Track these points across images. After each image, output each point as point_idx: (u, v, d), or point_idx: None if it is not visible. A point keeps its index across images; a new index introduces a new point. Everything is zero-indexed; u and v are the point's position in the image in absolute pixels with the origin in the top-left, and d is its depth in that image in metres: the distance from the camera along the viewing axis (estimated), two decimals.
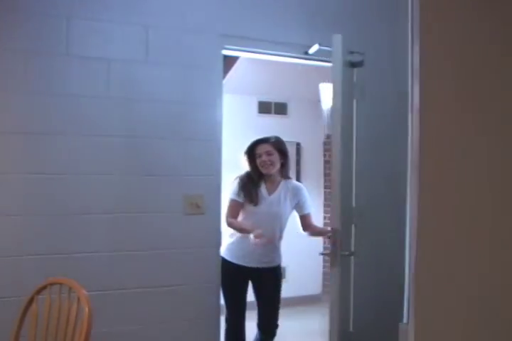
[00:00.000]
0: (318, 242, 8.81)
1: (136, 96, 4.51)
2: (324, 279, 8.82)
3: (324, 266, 8.83)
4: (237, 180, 5.12)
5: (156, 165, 4.57)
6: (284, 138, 8.62)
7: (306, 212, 5.30)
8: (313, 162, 8.82)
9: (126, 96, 4.49)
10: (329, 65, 5.46)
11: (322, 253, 5.45)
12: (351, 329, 4.94)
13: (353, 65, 5.08)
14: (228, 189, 5.10)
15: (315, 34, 5.12)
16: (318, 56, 5.17)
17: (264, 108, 8.61)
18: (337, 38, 4.54)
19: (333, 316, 4.53)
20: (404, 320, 2.48)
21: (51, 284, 3.45)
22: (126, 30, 4.48)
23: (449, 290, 2.20)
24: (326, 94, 4.98)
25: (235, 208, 5.10)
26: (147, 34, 4.53)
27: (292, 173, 8.59)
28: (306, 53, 5.14)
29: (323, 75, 7.16)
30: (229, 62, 6.69)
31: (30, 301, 3.44)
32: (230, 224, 5.09)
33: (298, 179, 8.74)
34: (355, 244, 4.98)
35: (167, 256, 4.60)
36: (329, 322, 4.63)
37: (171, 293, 4.62)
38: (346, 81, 4.92)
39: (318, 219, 8.77)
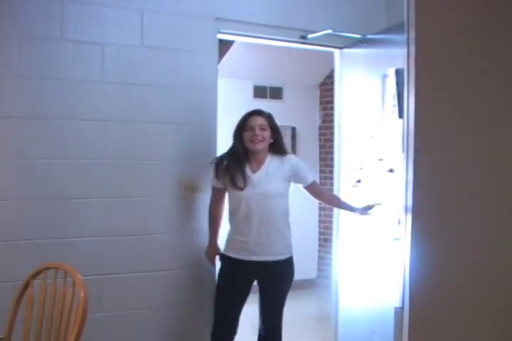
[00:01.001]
0: (314, 226, 8.83)
1: (130, 81, 4.50)
2: (319, 263, 8.84)
3: (319, 251, 8.85)
4: (215, 164, 4.51)
5: (151, 150, 4.56)
6: (280, 123, 8.61)
7: (309, 182, 4.62)
8: (308, 146, 8.80)
9: (121, 80, 4.47)
10: (326, 49, 5.49)
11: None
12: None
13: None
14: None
15: (311, 18, 5.12)
16: (316, 41, 5.18)
17: (260, 92, 8.58)
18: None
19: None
20: (399, 305, 2.49)
21: (46, 269, 3.44)
22: (120, 15, 4.46)
23: (442, 276, 2.21)
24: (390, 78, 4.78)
25: (214, 194, 4.59)
26: (142, 18, 4.51)
27: None
28: (303, 37, 5.13)
29: (318, 60, 7.15)
30: (224, 46, 6.67)
31: (26, 286, 3.43)
32: (209, 212, 4.62)
33: None
34: None
35: (162, 240, 4.61)
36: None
37: (166, 277, 4.62)
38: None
39: (313, 203, 8.81)
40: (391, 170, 4.72)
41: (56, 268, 3.39)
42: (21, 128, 4.20)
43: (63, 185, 4.32)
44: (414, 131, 2.16)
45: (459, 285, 2.24)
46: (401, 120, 4.50)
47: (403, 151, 2.33)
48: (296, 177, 4.56)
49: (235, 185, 4.38)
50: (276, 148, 4.54)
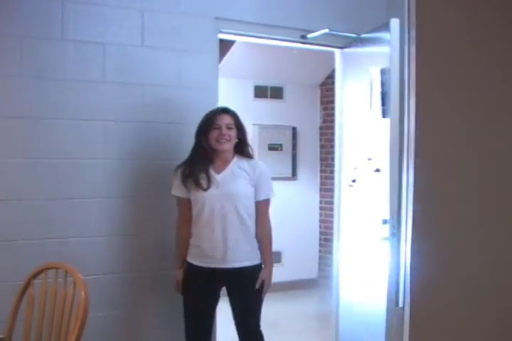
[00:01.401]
0: (315, 226, 8.83)
1: (131, 81, 4.49)
2: (320, 263, 8.84)
3: (320, 251, 8.85)
4: (180, 170, 4.22)
5: (151, 150, 4.56)
6: (280, 123, 8.67)
7: (261, 197, 4.25)
8: (309, 146, 8.81)
9: (122, 80, 4.47)
10: (327, 49, 5.49)
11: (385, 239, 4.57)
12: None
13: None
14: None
15: (312, 18, 5.12)
16: (316, 40, 5.17)
17: (260, 92, 8.58)
18: (395, 23, 4.51)
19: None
20: (400, 304, 2.49)
21: (47, 268, 3.45)
22: (121, 14, 4.46)
23: (444, 275, 2.21)
24: (375, 77, 4.80)
25: (181, 208, 4.28)
26: (142, 18, 4.51)
27: (288, 157, 8.61)
28: (303, 37, 5.13)
29: (319, 59, 7.16)
30: (225, 45, 6.68)
31: (27, 285, 3.44)
32: (177, 232, 4.33)
33: (294, 163, 8.74)
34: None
35: (162, 240, 4.60)
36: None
37: (167, 277, 4.62)
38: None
39: (314, 203, 8.81)
40: (377, 170, 4.74)
41: (57, 268, 3.40)
42: (22, 128, 4.20)
43: (63, 184, 4.32)
44: (415, 132, 2.15)
45: (459, 285, 2.25)
46: (385, 119, 4.58)
47: (402, 153, 2.32)
48: (255, 186, 4.23)
49: (198, 186, 4.11)
50: (242, 149, 4.29)
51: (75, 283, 3.22)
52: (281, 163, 8.63)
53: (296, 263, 8.63)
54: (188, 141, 4.57)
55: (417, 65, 2.17)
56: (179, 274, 4.28)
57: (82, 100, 4.35)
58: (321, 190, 8.82)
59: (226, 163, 4.22)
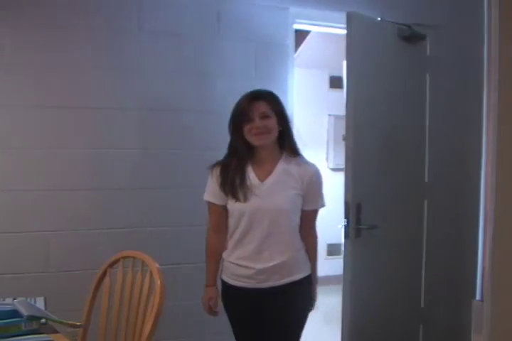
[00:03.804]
0: None
1: (208, 71, 4.52)
2: None
3: None
4: (214, 171, 3.46)
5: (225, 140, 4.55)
6: None
7: (309, 207, 3.44)
8: None
9: (198, 71, 4.50)
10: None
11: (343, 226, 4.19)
12: (422, 305, 4.91)
13: (421, 37, 4.97)
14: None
15: (387, 7, 5.05)
16: None
17: (336, 82, 8.52)
18: (355, 15, 4.43)
19: (346, 294, 4.31)
20: (478, 297, 2.45)
21: (124, 257, 3.48)
22: (197, 5, 4.48)
23: None
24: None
25: (214, 215, 3.49)
26: (218, 9, 4.52)
27: None
28: None
29: None
30: (300, 36, 6.65)
31: (103, 274, 3.48)
32: (207, 243, 3.58)
33: None
34: (427, 218, 4.92)
35: None
36: (342, 300, 4.30)
37: None
38: (416, 55, 4.87)
39: None
40: None
41: (133, 257, 3.43)
42: (96, 119, 4.28)
43: (137, 174, 4.39)
44: (498, 133, 2.09)
45: None
46: None
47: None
48: (304, 195, 3.42)
49: (235, 196, 3.34)
50: (286, 143, 3.43)
51: (151, 273, 3.24)
52: None
53: None
54: None
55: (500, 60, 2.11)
56: (209, 293, 3.56)
57: (158, 91, 4.40)
58: None
59: (271, 164, 3.39)
